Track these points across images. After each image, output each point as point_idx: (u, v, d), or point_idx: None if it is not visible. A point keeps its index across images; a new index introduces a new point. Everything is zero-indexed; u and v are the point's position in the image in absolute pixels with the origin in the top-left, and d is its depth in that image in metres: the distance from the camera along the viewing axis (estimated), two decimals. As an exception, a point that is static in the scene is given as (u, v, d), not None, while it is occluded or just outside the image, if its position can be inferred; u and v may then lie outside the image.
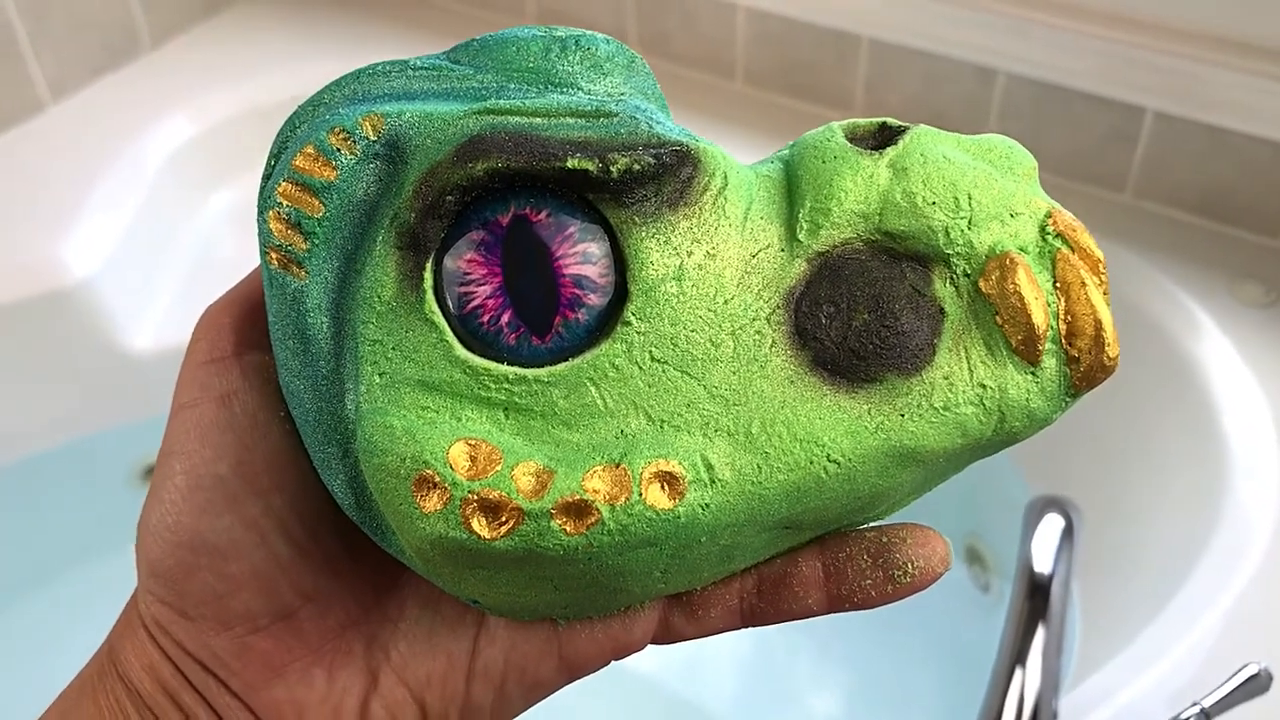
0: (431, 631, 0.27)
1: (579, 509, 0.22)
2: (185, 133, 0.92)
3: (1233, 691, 0.46)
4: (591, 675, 0.28)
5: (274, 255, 0.25)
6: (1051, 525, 0.55)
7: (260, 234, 0.26)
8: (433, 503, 0.23)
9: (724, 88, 0.96)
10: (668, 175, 0.24)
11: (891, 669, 0.84)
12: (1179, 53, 0.75)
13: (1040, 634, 0.51)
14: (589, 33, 0.27)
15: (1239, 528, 0.62)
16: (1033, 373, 0.25)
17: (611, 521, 0.23)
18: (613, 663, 0.27)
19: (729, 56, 0.94)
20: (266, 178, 0.26)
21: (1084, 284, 0.25)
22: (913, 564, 0.26)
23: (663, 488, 0.23)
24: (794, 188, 0.25)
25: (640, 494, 0.23)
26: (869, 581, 0.26)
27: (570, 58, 0.26)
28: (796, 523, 0.25)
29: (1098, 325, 0.25)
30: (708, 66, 0.96)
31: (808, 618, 0.27)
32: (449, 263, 0.24)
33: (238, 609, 0.26)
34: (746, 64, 0.94)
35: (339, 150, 0.25)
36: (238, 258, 0.90)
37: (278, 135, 0.27)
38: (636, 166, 0.23)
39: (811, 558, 0.27)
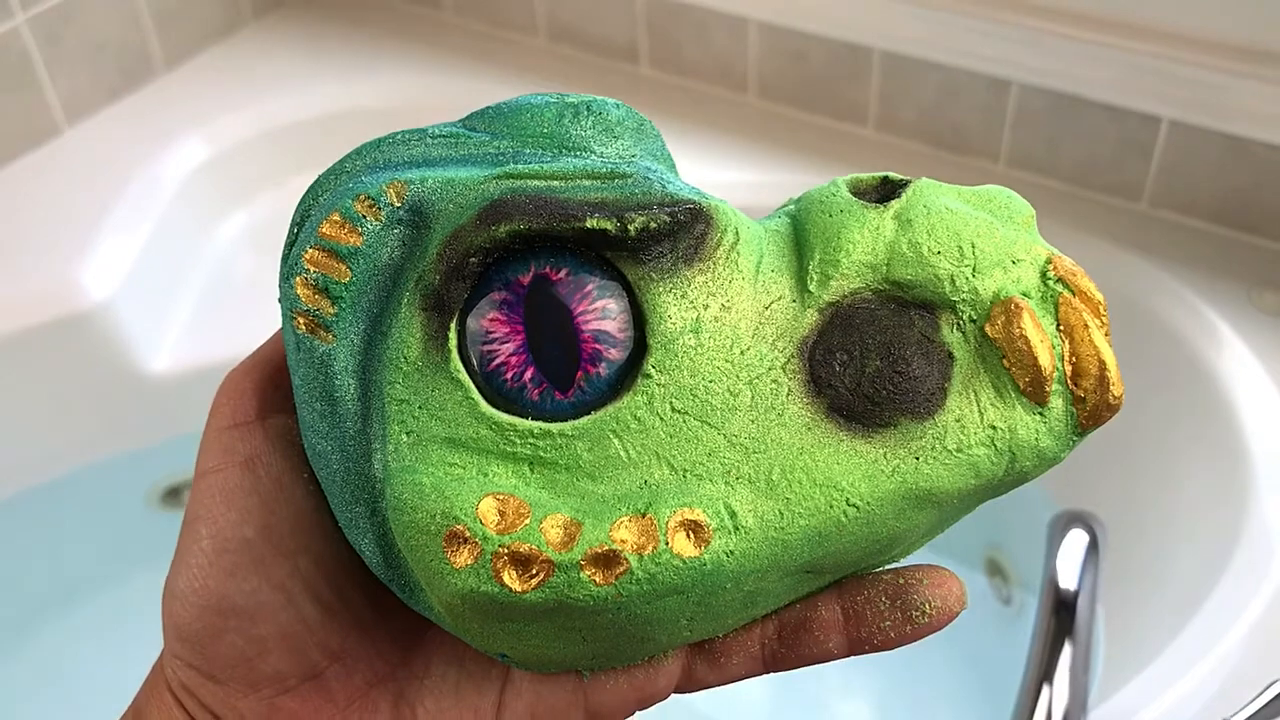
0: (457, 687, 0.27)
1: (608, 559, 0.23)
2: (200, 155, 0.93)
3: (1262, 708, 0.46)
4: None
5: (301, 320, 0.26)
6: (1076, 541, 0.54)
7: (286, 299, 0.26)
8: (464, 558, 0.23)
9: (736, 101, 0.96)
10: (682, 232, 0.25)
11: (912, 680, 0.83)
12: (1194, 62, 0.74)
13: (1067, 651, 0.51)
14: (600, 99, 0.28)
15: (1263, 540, 0.62)
16: (1041, 413, 0.26)
17: (640, 571, 0.23)
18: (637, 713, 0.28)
19: (741, 70, 0.94)
20: (290, 244, 0.27)
21: (1087, 326, 0.26)
22: (930, 604, 0.27)
23: (689, 536, 0.23)
24: (802, 241, 0.26)
25: (667, 543, 0.23)
26: (888, 623, 0.27)
27: (583, 123, 0.27)
28: (817, 567, 0.26)
29: (1101, 365, 0.26)
30: (720, 80, 0.96)
31: (828, 661, 0.28)
32: (472, 322, 0.25)
33: (265, 671, 0.26)
34: (759, 77, 0.94)
35: (364, 217, 0.26)
36: (254, 278, 0.90)
37: (300, 203, 0.27)
38: (653, 225, 0.24)
39: (831, 602, 0.27)
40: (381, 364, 0.25)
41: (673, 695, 0.28)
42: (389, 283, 0.26)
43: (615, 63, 0.99)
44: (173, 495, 0.87)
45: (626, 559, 0.23)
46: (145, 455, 0.85)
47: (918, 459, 0.25)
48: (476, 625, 0.24)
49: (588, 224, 0.24)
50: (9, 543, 0.83)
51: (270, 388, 0.28)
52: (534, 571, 0.23)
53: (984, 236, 0.26)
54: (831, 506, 0.24)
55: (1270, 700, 0.46)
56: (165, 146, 0.92)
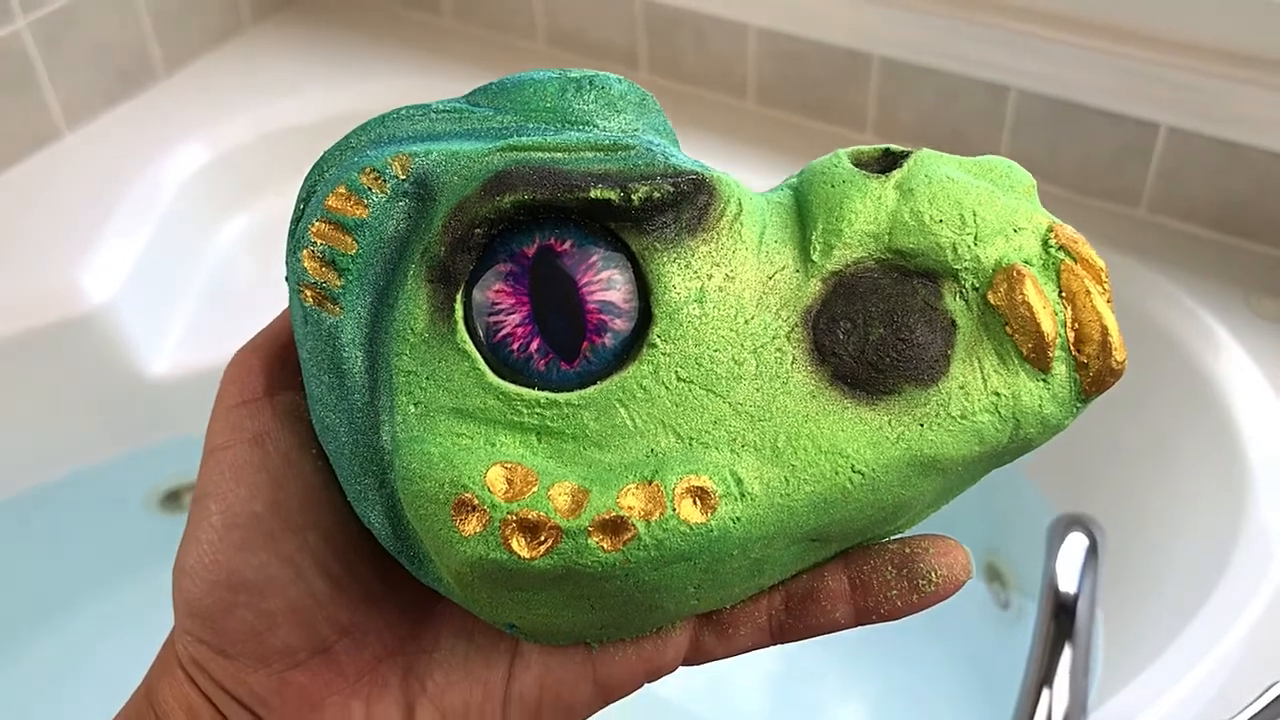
0: (466, 660, 0.27)
1: (615, 526, 0.23)
2: (200, 158, 0.93)
3: (1262, 710, 0.46)
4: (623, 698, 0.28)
5: (309, 293, 0.26)
6: (1076, 544, 0.54)
7: (293, 272, 0.26)
8: (472, 525, 0.23)
9: (735, 106, 0.96)
10: (686, 202, 0.25)
11: (910, 686, 0.84)
12: (1193, 68, 0.75)
13: (1066, 654, 0.51)
14: (602, 73, 0.28)
15: (1260, 543, 0.62)
16: (1044, 380, 0.26)
17: (647, 537, 0.23)
18: (645, 685, 0.28)
19: (740, 75, 0.94)
20: (296, 220, 0.27)
21: (1089, 292, 0.26)
22: (936, 573, 0.27)
23: (695, 502, 0.24)
24: (805, 212, 0.26)
25: (674, 509, 0.23)
26: (894, 592, 0.27)
27: (585, 97, 0.27)
28: (823, 535, 0.26)
29: (1104, 331, 0.26)
30: (719, 85, 0.96)
31: (835, 632, 0.28)
32: (478, 294, 0.25)
33: (275, 645, 0.27)
34: (758, 83, 0.94)
35: (370, 189, 0.26)
36: (253, 282, 0.90)
37: (306, 179, 0.28)
38: (656, 194, 0.24)
39: (837, 572, 0.27)
40: (388, 336, 0.25)
41: (680, 670, 0.28)
42: (395, 255, 0.26)
43: (615, 68, 0.99)
44: (172, 498, 0.87)
45: (634, 525, 0.23)
46: (145, 457, 0.85)
47: (922, 425, 0.25)
48: (485, 594, 0.24)
49: (591, 194, 0.24)
50: (8, 544, 0.83)
51: (278, 365, 0.28)
52: (542, 538, 0.23)
53: (985, 205, 0.26)
54: (837, 473, 0.25)
55: (1270, 703, 0.46)
56: (165, 150, 0.92)
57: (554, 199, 0.24)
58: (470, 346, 0.24)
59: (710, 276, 0.25)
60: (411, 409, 0.24)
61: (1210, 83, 0.74)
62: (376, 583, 0.28)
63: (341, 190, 0.26)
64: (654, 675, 0.27)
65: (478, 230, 0.24)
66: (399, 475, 0.24)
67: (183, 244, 0.90)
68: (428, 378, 0.24)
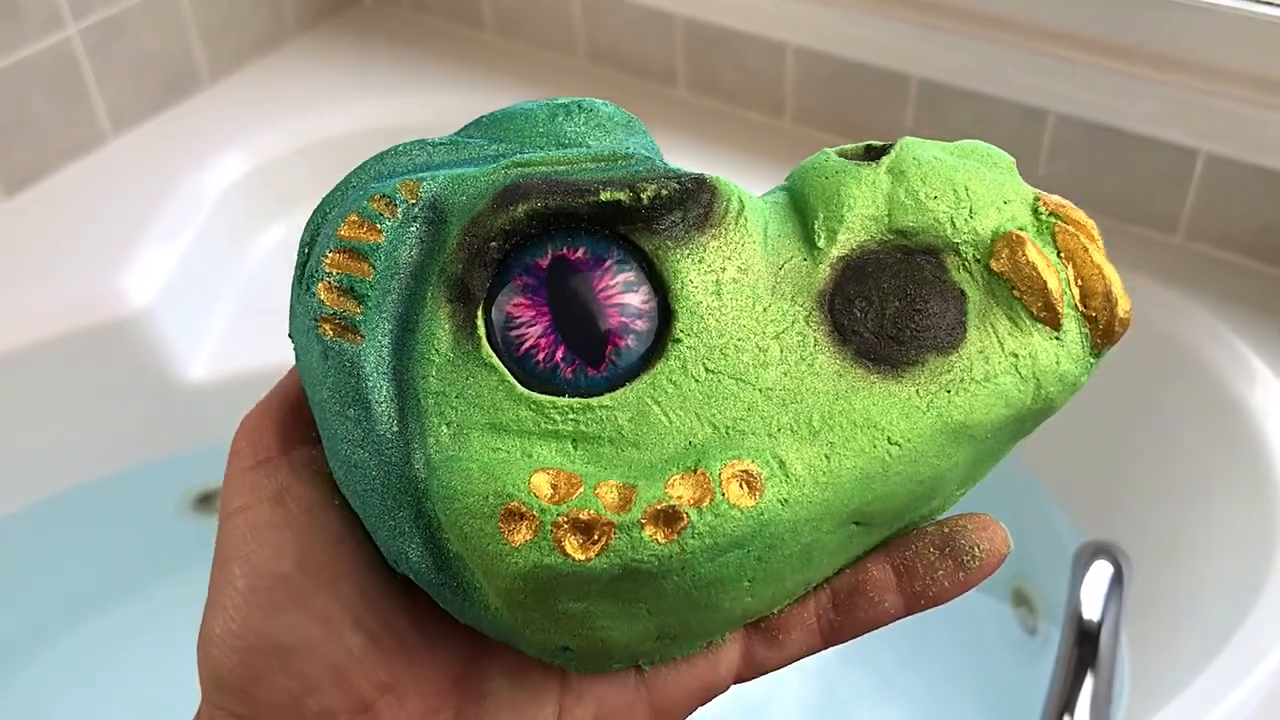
0: (515, 702, 0.27)
1: (668, 516, 0.23)
2: (241, 167, 0.94)
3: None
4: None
5: (328, 326, 0.26)
6: (1100, 572, 0.54)
7: (307, 310, 0.26)
8: (522, 534, 0.23)
9: (772, 126, 0.96)
10: (692, 200, 0.25)
11: (936, 711, 0.83)
12: (1232, 95, 0.74)
13: (1089, 682, 0.51)
14: (589, 98, 0.29)
15: (1292, 576, 0.61)
16: (1057, 337, 0.27)
17: (700, 524, 0.23)
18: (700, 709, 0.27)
19: (778, 95, 0.94)
20: (303, 263, 0.27)
21: (1086, 249, 0.27)
22: (978, 548, 0.27)
23: (742, 486, 0.24)
24: (803, 206, 0.27)
25: (723, 494, 0.23)
26: (940, 572, 0.27)
27: (576, 120, 0.28)
28: (867, 516, 0.26)
29: (1107, 284, 0.27)
30: (756, 105, 0.96)
31: (885, 624, 0.27)
32: (497, 311, 0.25)
33: (314, 709, 0.25)
34: (795, 103, 0.94)
35: (382, 214, 0.26)
36: (290, 290, 0.91)
37: (308, 224, 0.28)
38: (665, 192, 0.25)
39: (880, 561, 0.27)
40: (412, 360, 0.25)
41: (733, 687, 0.27)
42: (411, 280, 0.26)
43: (653, 85, 1.00)
44: (205, 501, 0.88)
45: (686, 513, 0.23)
46: (180, 461, 0.86)
47: (949, 392, 0.26)
48: (537, 613, 0.24)
49: (602, 196, 0.25)
50: (44, 543, 0.85)
51: (290, 423, 0.28)
52: (595, 537, 0.23)
53: (976, 180, 0.27)
54: (875, 446, 0.25)
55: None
56: (208, 158, 0.93)
57: (566, 204, 0.25)
58: (496, 361, 0.24)
59: (724, 269, 0.25)
60: (444, 429, 0.24)
61: (1249, 110, 0.74)
62: (415, 635, 0.27)
63: (354, 218, 0.26)
64: (709, 694, 0.27)
65: (493, 244, 0.25)
66: (439, 497, 0.24)
67: (222, 251, 0.91)
68: (457, 396, 0.24)
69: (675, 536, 0.23)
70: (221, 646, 0.25)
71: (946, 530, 0.27)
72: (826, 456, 0.25)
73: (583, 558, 0.23)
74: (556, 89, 0.99)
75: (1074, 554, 0.57)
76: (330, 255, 0.26)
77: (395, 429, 0.25)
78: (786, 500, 0.24)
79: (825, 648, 0.27)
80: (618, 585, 0.23)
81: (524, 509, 0.23)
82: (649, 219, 0.25)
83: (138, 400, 0.84)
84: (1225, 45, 0.75)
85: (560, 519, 0.23)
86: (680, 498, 0.23)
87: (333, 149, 0.96)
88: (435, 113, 0.97)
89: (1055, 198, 0.28)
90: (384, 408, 0.25)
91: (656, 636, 0.25)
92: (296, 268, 0.27)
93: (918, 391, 0.25)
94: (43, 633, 0.85)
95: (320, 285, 0.26)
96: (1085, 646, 0.52)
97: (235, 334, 0.87)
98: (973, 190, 0.27)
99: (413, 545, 0.25)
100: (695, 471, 0.23)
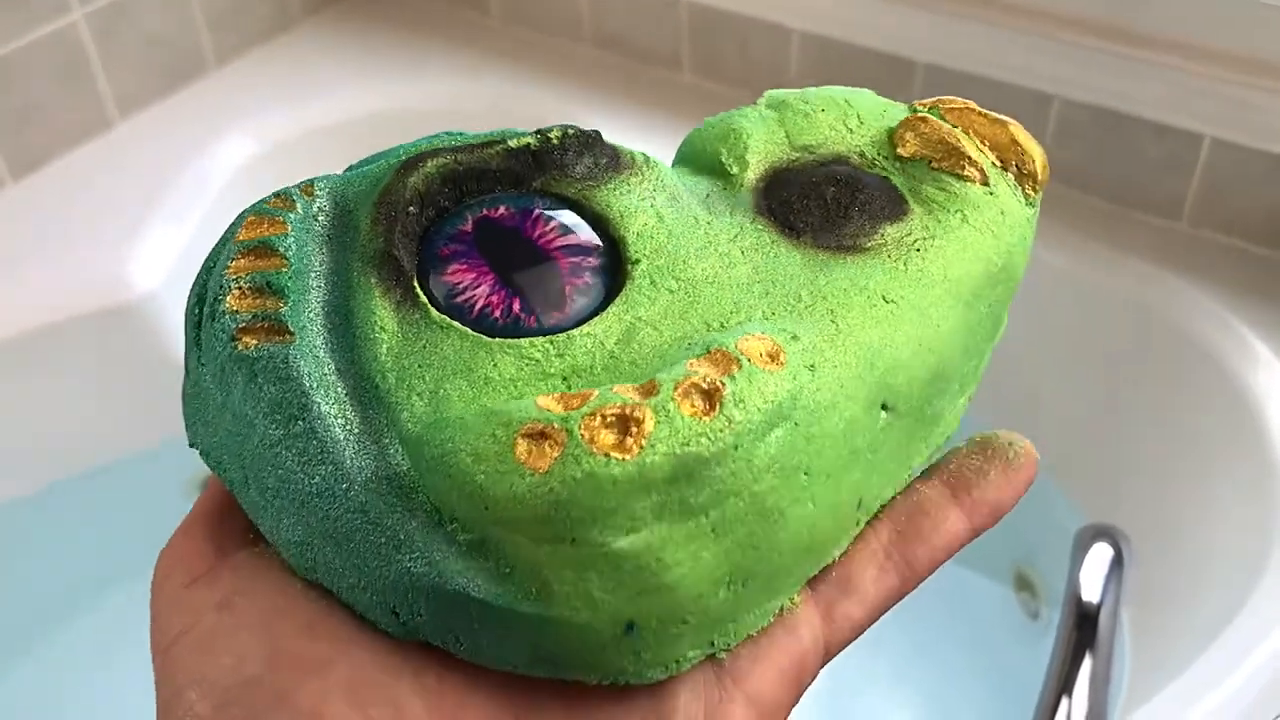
0: None
1: (702, 391, 0.21)
2: (247, 151, 0.94)
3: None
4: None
5: (249, 338, 0.23)
6: (1100, 554, 0.54)
7: (217, 347, 0.23)
8: (548, 453, 0.20)
9: (778, 111, 0.96)
10: (598, 147, 0.26)
11: (938, 695, 0.83)
12: (1238, 80, 0.74)
13: (1087, 663, 0.51)
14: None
15: (1294, 561, 0.61)
16: (990, 192, 0.27)
17: (738, 391, 0.21)
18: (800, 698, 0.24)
19: (783, 80, 0.94)
20: (196, 305, 0.24)
21: (979, 114, 0.28)
22: (1015, 445, 0.27)
23: (763, 356, 0.22)
24: (700, 155, 0.28)
25: (749, 360, 0.21)
26: (992, 474, 0.26)
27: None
28: (892, 394, 0.24)
29: (1010, 133, 0.28)
30: (762, 89, 0.96)
31: (956, 547, 0.25)
32: (434, 284, 0.23)
33: None
34: (800, 87, 0.94)
35: (281, 209, 0.25)
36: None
37: (190, 293, 0.25)
38: (571, 132, 0.25)
39: (930, 482, 0.26)
40: (356, 347, 0.22)
41: (827, 656, 0.24)
42: (330, 272, 0.24)
43: (658, 70, 1.00)
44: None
45: (720, 382, 0.21)
46: (184, 446, 0.86)
47: (918, 250, 0.26)
48: (589, 569, 0.20)
49: (511, 144, 0.25)
50: (50, 526, 0.85)
51: (222, 529, 0.24)
52: (631, 430, 0.20)
53: (852, 97, 0.29)
54: (873, 305, 0.24)
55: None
56: (213, 142, 0.93)
57: (476, 159, 0.24)
58: (452, 321, 0.23)
59: (655, 199, 0.26)
60: (416, 400, 0.22)
61: (1255, 95, 0.74)
62: (448, 698, 0.21)
63: (251, 219, 0.24)
64: (801, 672, 0.23)
65: (411, 210, 0.24)
66: (433, 464, 0.21)
67: (228, 235, 0.91)
68: (421, 366, 0.22)
69: (717, 409, 0.20)
70: None
71: (979, 438, 0.27)
72: (832, 322, 0.24)
73: (625, 457, 0.20)
74: (561, 74, 0.99)
75: (1074, 537, 0.57)
76: (234, 263, 0.24)
77: (356, 429, 0.22)
78: (812, 366, 0.22)
79: (905, 589, 0.25)
80: (672, 491, 0.20)
81: (541, 426, 0.20)
82: (562, 164, 0.25)
83: (143, 384, 0.84)
84: (1231, 30, 0.74)
85: (587, 419, 0.20)
86: (706, 375, 0.21)
87: (339, 133, 0.96)
88: (440, 98, 0.97)
89: (928, 100, 0.29)
90: (336, 408, 0.22)
91: (728, 580, 0.21)
92: (187, 317, 0.24)
93: (889, 256, 0.26)
94: (47, 617, 0.85)
95: (230, 297, 0.23)
96: (1084, 628, 0.52)
97: (241, 318, 0.87)
98: (854, 103, 0.29)
99: (411, 556, 0.21)
100: (711, 352, 0.21)
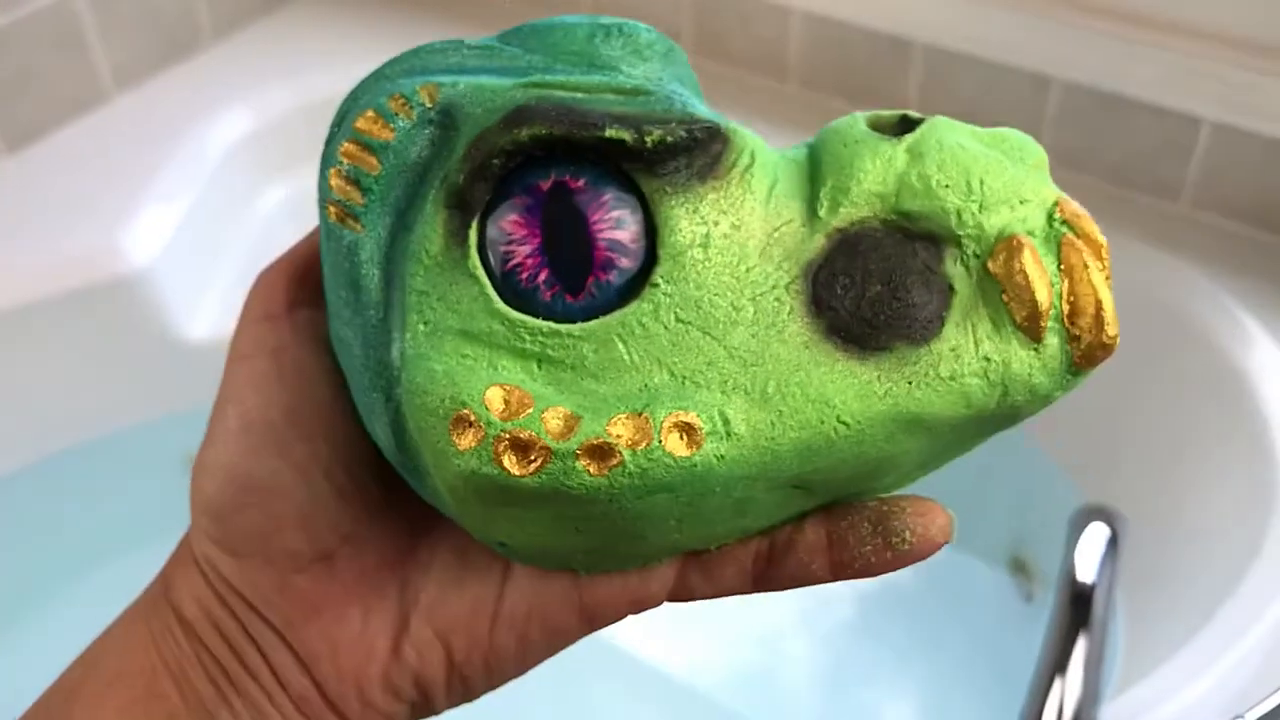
0: (460, 578, 0.29)
1: (603, 451, 0.24)
2: (244, 125, 0.94)
3: (1278, 706, 0.46)
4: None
5: (333, 209, 0.27)
6: (1096, 534, 0.54)
7: (321, 190, 0.28)
8: (468, 440, 0.24)
9: (777, 90, 0.96)
10: (699, 149, 0.25)
11: (929, 674, 0.84)
12: (1237, 63, 0.74)
13: (1082, 643, 0.51)
14: (631, 21, 0.29)
15: (1288, 543, 0.61)
16: (1036, 349, 0.26)
17: (632, 465, 0.24)
18: (630, 617, 0.29)
19: (783, 59, 0.94)
20: (329, 142, 0.28)
21: (1087, 266, 0.26)
22: (911, 532, 0.27)
23: (681, 437, 0.24)
24: (816, 169, 0.27)
25: (660, 441, 0.24)
26: (868, 548, 0.27)
27: (613, 43, 0.28)
28: (807, 483, 0.26)
29: (1098, 305, 0.26)
30: (762, 68, 0.96)
31: (813, 584, 0.28)
32: (492, 225, 0.25)
33: (281, 547, 0.28)
34: (800, 67, 0.94)
35: (397, 115, 0.27)
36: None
37: (340, 106, 0.29)
38: (670, 139, 0.25)
39: (816, 525, 0.28)
40: (404, 257, 0.26)
41: (667, 605, 0.29)
42: (416, 180, 0.27)
43: (658, 48, 0.99)
44: (210, 419, 0.88)
45: (620, 452, 0.24)
46: (180, 421, 0.86)
47: (910, 383, 0.25)
48: (477, 509, 0.25)
49: (606, 133, 0.25)
50: (45, 500, 0.85)
51: (297, 284, 0.30)
52: (532, 457, 0.24)
53: (993, 174, 0.27)
54: (823, 422, 0.25)
55: (1285, 699, 0.46)
56: (211, 116, 0.93)
57: (570, 135, 0.25)
58: (481, 272, 0.25)
59: (717, 223, 0.25)
60: (421, 327, 0.25)
61: (1255, 79, 0.74)
62: (380, 496, 0.29)
63: (370, 114, 0.27)
64: (639, 607, 0.28)
65: (495, 161, 0.25)
66: (404, 389, 0.25)
67: (224, 210, 0.91)
68: (439, 299, 0.25)
69: (606, 472, 0.24)
70: (210, 475, 0.28)
71: (885, 509, 0.27)
72: (773, 423, 0.25)
73: (517, 473, 0.24)
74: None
75: (1070, 517, 0.57)
76: (345, 145, 0.27)
77: (380, 317, 0.26)
78: (723, 456, 0.24)
79: (755, 591, 0.29)
80: (548, 503, 0.24)
81: (473, 418, 0.24)
82: (651, 162, 0.25)
83: (138, 359, 0.84)
84: (1232, 12, 0.74)
85: (503, 434, 0.24)
86: (619, 437, 0.24)
87: (336, 108, 0.96)
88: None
89: (1075, 206, 0.27)
90: (373, 295, 0.27)
91: (586, 551, 0.27)
92: (325, 143, 0.29)
93: (879, 378, 0.25)
94: (42, 590, 0.86)
95: (332, 171, 0.28)
96: (1079, 608, 0.52)
97: (236, 293, 0.86)
98: (988, 184, 0.26)
99: (380, 423, 0.26)
100: (640, 415, 0.24)
